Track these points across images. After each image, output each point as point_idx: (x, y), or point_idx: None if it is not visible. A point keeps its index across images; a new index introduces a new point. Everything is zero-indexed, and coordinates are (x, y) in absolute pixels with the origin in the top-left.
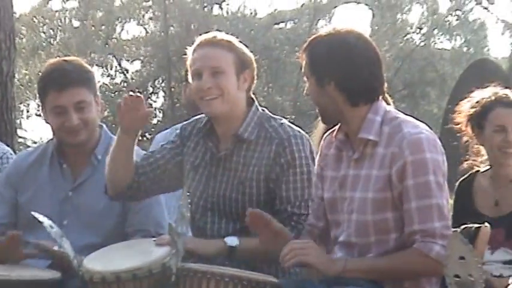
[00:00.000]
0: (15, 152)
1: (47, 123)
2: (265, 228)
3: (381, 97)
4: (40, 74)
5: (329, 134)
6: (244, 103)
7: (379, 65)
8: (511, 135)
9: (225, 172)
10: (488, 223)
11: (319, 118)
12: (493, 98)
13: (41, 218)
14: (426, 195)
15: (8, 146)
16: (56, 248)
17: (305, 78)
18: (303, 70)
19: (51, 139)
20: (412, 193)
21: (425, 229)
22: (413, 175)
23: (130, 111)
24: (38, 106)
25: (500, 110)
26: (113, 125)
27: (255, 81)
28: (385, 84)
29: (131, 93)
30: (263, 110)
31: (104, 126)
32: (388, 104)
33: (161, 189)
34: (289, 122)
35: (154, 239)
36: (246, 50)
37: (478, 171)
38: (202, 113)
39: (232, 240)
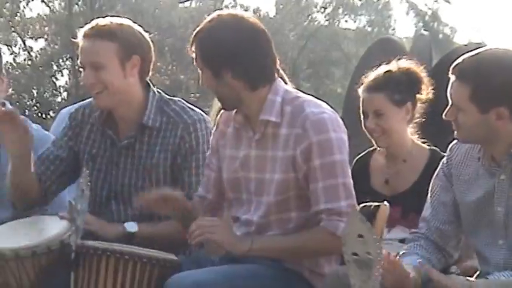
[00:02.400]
0: None
1: None
2: (160, 204)
3: (278, 77)
4: None
5: (225, 111)
6: (139, 88)
7: (269, 44)
8: (369, 121)
9: (128, 160)
10: (386, 201)
11: None
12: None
13: None
14: (332, 174)
15: None
16: None
17: (199, 70)
18: (194, 62)
19: None
20: (319, 173)
21: (331, 208)
22: (319, 155)
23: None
24: None
25: (363, 95)
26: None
27: (151, 62)
28: (278, 62)
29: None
30: (159, 92)
31: (8, 103)
32: (285, 83)
33: (66, 184)
34: (194, 100)
35: (59, 214)
36: (135, 34)
37: (376, 149)
38: None
39: (131, 226)
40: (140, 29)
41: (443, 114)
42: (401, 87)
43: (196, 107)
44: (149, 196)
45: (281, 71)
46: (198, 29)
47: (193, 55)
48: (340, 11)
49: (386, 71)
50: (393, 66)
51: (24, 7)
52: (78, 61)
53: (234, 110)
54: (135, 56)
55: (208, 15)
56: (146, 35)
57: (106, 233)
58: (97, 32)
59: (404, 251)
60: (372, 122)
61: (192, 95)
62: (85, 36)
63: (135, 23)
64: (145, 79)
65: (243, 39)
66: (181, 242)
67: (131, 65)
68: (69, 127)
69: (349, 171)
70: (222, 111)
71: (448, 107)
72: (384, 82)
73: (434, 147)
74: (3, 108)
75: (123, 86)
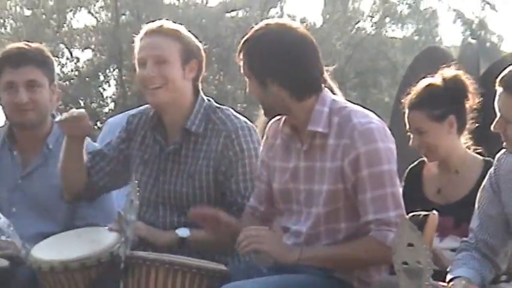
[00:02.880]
0: None
1: (0, 103)
2: (212, 222)
3: (325, 87)
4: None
5: (275, 121)
6: (191, 93)
7: (316, 54)
8: (413, 139)
9: (175, 166)
10: (437, 211)
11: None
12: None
13: None
14: (381, 184)
15: None
16: (3, 237)
17: (246, 79)
18: (242, 70)
19: (3, 126)
20: (367, 184)
21: (380, 218)
22: (367, 166)
23: (73, 123)
24: None
25: (406, 113)
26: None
27: (204, 71)
28: (326, 73)
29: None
30: (209, 100)
31: (57, 116)
32: (333, 93)
33: (114, 186)
34: (241, 110)
35: (106, 227)
36: (194, 40)
37: None
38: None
39: (183, 232)
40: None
41: (492, 126)
42: (441, 101)
43: (243, 116)
44: (204, 213)
45: (330, 81)
46: (245, 37)
47: (241, 63)
48: (387, 19)
49: (427, 86)
50: (437, 78)
51: (71, 18)
52: (137, 58)
53: (282, 122)
54: (194, 60)
55: (255, 24)
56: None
57: (158, 240)
58: (163, 30)
59: (457, 260)
60: (416, 139)
61: (239, 105)
62: (149, 33)
63: None
64: (196, 85)
65: (290, 49)
66: (231, 247)
67: (189, 68)
68: (125, 130)
69: (398, 180)
70: (270, 123)
71: (496, 119)
72: (424, 99)
73: (488, 158)
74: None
75: (180, 85)
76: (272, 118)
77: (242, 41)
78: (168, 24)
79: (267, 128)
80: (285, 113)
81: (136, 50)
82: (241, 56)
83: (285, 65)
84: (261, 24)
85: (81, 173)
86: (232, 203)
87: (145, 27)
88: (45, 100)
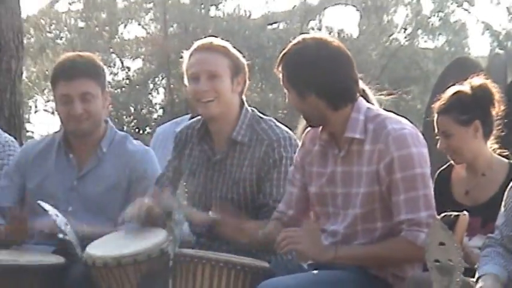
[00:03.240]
0: (22, 144)
1: (57, 112)
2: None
3: (360, 96)
4: (55, 65)
5: (312, 128)
6: (237, 105)
7: (351, 66)
8: (440, 142)
9: (221, 174)
10: (466, 211)
11: None
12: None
13: (46, 206)
14: (413, 187)
15: (16, 139)
16: (60, 235)
17: (285, 90)
18: (281, 82)
19: (58, 131)
20: (400, 186)
21: (412, 218)
22: (401, 169)
23: None
24: (46, 102)
25: (435, 118)
26: (116, 119)
27: (247, 84)
28: (361, 82)
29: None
30: (252, 110)
31: (110, 121)
32: (368, 101)
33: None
34: (282, 117)
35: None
36: (240, 56)
37: None
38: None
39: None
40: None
41: None
42: (468, 107)
43: (283, 123)
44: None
45: (366, 90)
46: (284, 51)
47: (280, 75)
48: (419, 31)
49: (455, 92)
50: (465, 85)
51: (123, 30)
52: (189, 72)
53: (320, 129)
54: (241, 74)
55: (295, 37)
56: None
57: (194, 218)
58: (213, 47)
59: (483, 256)
60: (443, 142)
61: (280, 111)
62: (201, 49)
63: (227, 41)
64: (241, 97)
65: (326, 62)
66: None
67: (237, 82)
68: (175, 146)
69: (430, 183)
70: (308, 129)
71: None
72: (451, 104)
73: None
74: None
75: (230, 98)
76: (313, 126)
77: (281, 55)
78: (217, 41)
79: (304, 135)
80: (323, 122)
81: (185, 65)
82: (280, 69)
83: (321, 77)
84: (298, 38)
85: None
86: (264, 205)
87: (196, 44)
88: (98, 109)
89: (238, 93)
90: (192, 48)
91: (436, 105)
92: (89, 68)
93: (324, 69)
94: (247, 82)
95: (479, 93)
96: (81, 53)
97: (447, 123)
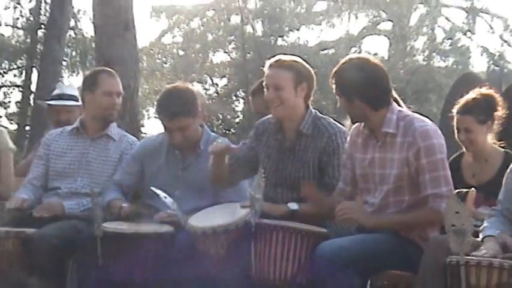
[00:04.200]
0: None
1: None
2: (313, 196)
3: (393, 100)
4: (159, 97)
5: (357, 125)
6: (303, 107)
7: (386, 78)
8: (460, 135)
9: (290, 157)
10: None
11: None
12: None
13: (157, 191)
14: (436, 169)
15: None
16: (169, 211)
17: (337, 97)
18: (334, 91)
19: (164, 132)
20: (426, 168)
21: (436, 192)
22: (426, 156)
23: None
24: (155, 111)
25: (457, 116)
26: (208, 123)
27: (314, 89)
28: (393, 92)
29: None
30: (315, 111)
31: (205, 125)
32: (399, 105)
33: (246, 174)
34: (333, 119)
35: (239, 203)
36: (305, 67)
37: (464, 151)
38: (267, 115)
39: (293, 205)
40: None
41: None
42: (484, 110)
43: (338, 122)
44: (309, 189)
45: (397, 97)
46: (336, 68)
47: (333, 86)
48: (434, 54)
49: (473, 98)
50: (477, 93)
51: (212, 56)
52: (264, 83)
53: (362, 125)
54: (305, 83)
55: (342, 58)
56: (311, 70)
57: (275, 212)
58: (279, 64)
59: (486, 224)
60: (463, 136)
61: (331, 115)
62: (272, 65)
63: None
64: (307, 101)
65: (368, 75)
66: (327, 217)
67: (300, 89)
68: (254, 132)
69: (448, 166)
70: (353, 126)
71: None
72: (472, 106)
73: (508, 150)
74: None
75: (293, 103)
76: (357, 123)
77: (333, 71)
78: (284, 57)
79: (351, 130)
80: (365, 121)
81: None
82: (333, 81)
83: (365, 87)
84: (346, 58)
85: (225, 172)
86: (329, 184)
87: (270, 61)
88: (192, 132)
89: (303, 97)
90: (267, 64)
91: (457, 107)
92: (183, 107)
93: (367, 80)
94: (314, 87)
95: (490, 99)
96: (178, 87)
97: (469, 121)
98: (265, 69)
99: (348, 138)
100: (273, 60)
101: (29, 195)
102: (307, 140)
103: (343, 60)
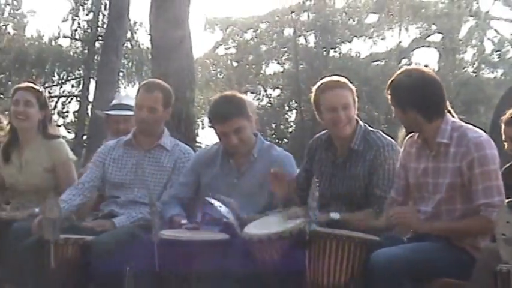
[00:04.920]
0: (195, 152)
1: (218, 137)
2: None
3: (447, 111)
4: (210, 105)
5: (411, 136)
6: (355, 123)
7: (441, 89)
8: (507, 144)
9: (342, 173)
10: None
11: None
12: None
13: (212, 200)
14: (489, 179)
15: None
16: (224, 220)
17: (392, 107)
18: (389, 102)
19: (218, 143)
20: (479, 178)
21: (488, 202)
22: (479, 166)
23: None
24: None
25: (503, 127)
26: (261, 133)
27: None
28: (447, 103)
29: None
30: (364, 125)
31: (259, 134)
32: (452, 115)
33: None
34: (383, 129)
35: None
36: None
37: None
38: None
39: (335, 215)
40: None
41: None
42: None
43: (387, 134)
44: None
45: (450, 108)
46: (392, 79)
47: (389, 97)
48: (483, 66)
49: None
50: None
51: (266, 67)
52: (328, 105)
53: (416, 135)
54: (356, 100)
55: (392, 71)
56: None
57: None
58: (341, 84)
59: None
60: (510, 145)
61: (382, 126)
62: (332, 86)
63: (342, 76)
64: (356, 118)
65: (423, 86)
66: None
67: (355, 107)
68: (308, 152)
69: (500, 176)
70: (407, 137)
71: None
72: None
73: None
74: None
75: (354, 121)
76: (411, 133)
77: (389, 82)
78: (340, 78)
79: (405, 140)
80: (419, 131)
81: (320, 98)
82: (388, 92)
83: (419, 98)
84: (402, 69)
85: (293, 198)
86: (373, 194)
87: (327, 81)
88: (248, 134)
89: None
90: (323, 85)
91: (504, 118)
92: (235, 109)
93: (422, 91)
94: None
95: None
96: (227, 95)
97: None
98: (322, 89)
99: (402, 149)
100: (330, 80)
101: (71, 196)
102: (358, 155)
103: (398, 72)
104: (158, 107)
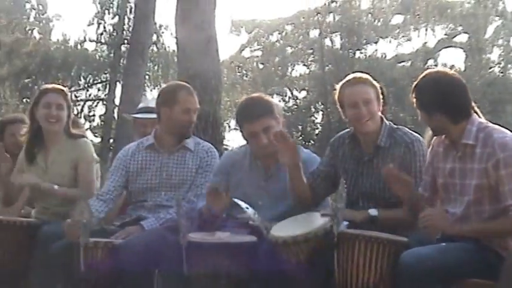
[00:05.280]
0: (221, 155)
1: (245, 139)
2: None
3: (473, 112)
4: (237, 107)
5: (438, 136)
6: (379, 119)
7: (465, 91)
8: None
9: (369, 170)
10: None
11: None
12: None
13: (239, 202)
14: None
15: (217, 150)
16: (251, 222)
17: (418, 111)
18: (414, 105)
19: (246, 145)
20: (506, 179)
21: None
22: (505, 167)
23: (282, 147)
24: (236, 123)
25: None
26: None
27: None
28: (474, 103)
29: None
30: (390, 122)
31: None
32: (479, 116)
33: (329, 191)
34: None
35: (321, 212)
36: (376, 83)
37: None
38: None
39: (373, 211)
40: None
41: None
42: None
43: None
44: (396, 175)
45: (476, 109)
46: (416, 82)
47: (414, 100)
48: (510, 65)
49: None
50: None
51: (292, 69)
52: (349, 101)
53: (443, 137)
54: (381, 100)
55: (418, 72)
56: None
57: (357, 218)
58: (363, 80)
59: None
60: None
61: (409, 126)
62: (353, 82)
63: None
64: (380, 115)
65: (448, 89)
66: (408, 225)
67: (379, 103)
68: (330, 150)
69: None
70: (435, 137)
71: None
72: None
73: None
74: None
75: (378, 116)
76: (438, 135)
77: (414, 85)
78: (362, 75)
79: (433, 140)
80: (445, 133)
81: (343, 96)
82: (413, 95)
83: (444, 100)
84: (425, 72)
85: (305, 190)
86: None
87: (348, 78)
88: None
89: (380, 111)
90: (345, 82)
91: None
92: (263, 108)
93: (447, 94)
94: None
95: None
96: (254, 96)
97: None
98: (345, 86)
99: (430, 148)
100: (353, 76)
101: (98, 207)
102: (385, 152)
103: (422, 75)
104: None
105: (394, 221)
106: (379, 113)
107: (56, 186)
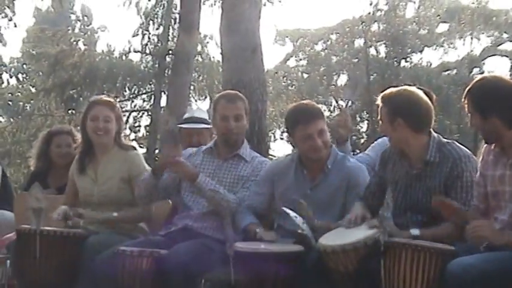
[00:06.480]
0: None
1: (293, 146)
2: (449, 209)
3: None
4: (286, 113)
5: (487, 145)
6: (417, 136)
7: None
8: None
9: (417, 184)
10: None
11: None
12: None
13: (287, 210)
14: None
15: None
16: (299, 231)
17: (469, 114)
18: (466, 110)
19: (291, 154)
20: None
21: None
22: None
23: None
24: (281, 133)
25: None
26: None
27: (421, 118)
28: None
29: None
30: (438, 135)
31: (333, 145)
32: None
33: (381, 199)
34: (455, 138)
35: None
36: (406, 101)
37: None
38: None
39: (414, 231)
40: (417, 96)
41: None
42: None
43: (461, 144)
44: (444, 202)
45: None
46: (469, 86)
47: (465, 105)
48: None
49: None
50: None
51: (337, 78)
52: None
53: (494, 144)
54: (399, 118)
55: (464, 80)
56: (424, 98)
57: (397, 236)
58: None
59: None
60: None
61: (454, 135)
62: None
63: (414, 85)
64: (423, 130)
65: (503, 92)
66: (454, 239)
67: (397, 124)
68: (380, 162)
69: None
70: (485, 146)
71: None
72: None
73: None
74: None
75: (396, 136)
76: (490, 143)
77: (467, 89)
78: (390, 91)
79: (483, 150)
80: (497, 138)
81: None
82: (466, 99)
83: (500, 103)
84: (481, 76)
85: None
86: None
87: (383, 95)
88: (329, 139)
89: (408, 129)
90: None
91: None
92: (317, 110)
93: (506, 97)
94: (419, 117)
95: None
96: (303, 102)
97: None
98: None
99: (480, 157)
100: (384, 95)
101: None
102: (433, 166)
103: (477, 78)
104: (243, 115)
105: (437, 237)
106: (413, 131)
107: (115, 214)
